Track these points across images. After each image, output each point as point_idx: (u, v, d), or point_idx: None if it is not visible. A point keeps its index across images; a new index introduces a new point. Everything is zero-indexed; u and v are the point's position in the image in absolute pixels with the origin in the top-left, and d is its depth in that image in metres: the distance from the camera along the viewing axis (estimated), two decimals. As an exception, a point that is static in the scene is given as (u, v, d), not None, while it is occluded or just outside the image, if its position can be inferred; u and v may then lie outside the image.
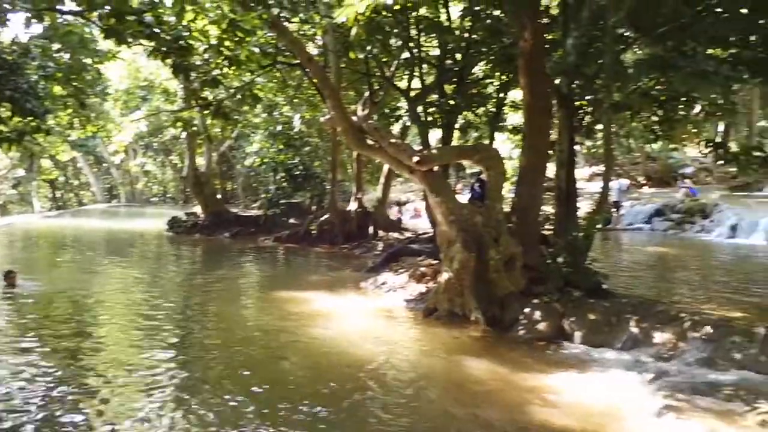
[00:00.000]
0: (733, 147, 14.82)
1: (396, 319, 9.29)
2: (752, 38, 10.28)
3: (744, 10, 9.71)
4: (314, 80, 15.54)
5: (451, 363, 7.23)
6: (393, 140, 10.07)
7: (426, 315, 9.27)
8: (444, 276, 9.38)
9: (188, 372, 6.67)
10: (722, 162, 13.61)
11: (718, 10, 9.89)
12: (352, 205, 19.40)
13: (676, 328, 7.39)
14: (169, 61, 10.09)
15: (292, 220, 22.18)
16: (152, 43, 9.85)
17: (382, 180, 20.98)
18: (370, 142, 10.00)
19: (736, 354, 6.72)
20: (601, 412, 5.61)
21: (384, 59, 16.92)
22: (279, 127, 24.27)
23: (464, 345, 7.97)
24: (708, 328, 7.17)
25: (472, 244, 9.15)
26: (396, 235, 18.78)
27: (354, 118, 10.46)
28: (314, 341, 7.91)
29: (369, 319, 9.20)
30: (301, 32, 16.90)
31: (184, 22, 10.39)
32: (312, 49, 17.50)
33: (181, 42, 9.92)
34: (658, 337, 7.40)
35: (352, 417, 5.50)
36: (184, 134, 24.91)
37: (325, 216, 19.18)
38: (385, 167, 19.68)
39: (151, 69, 25.67)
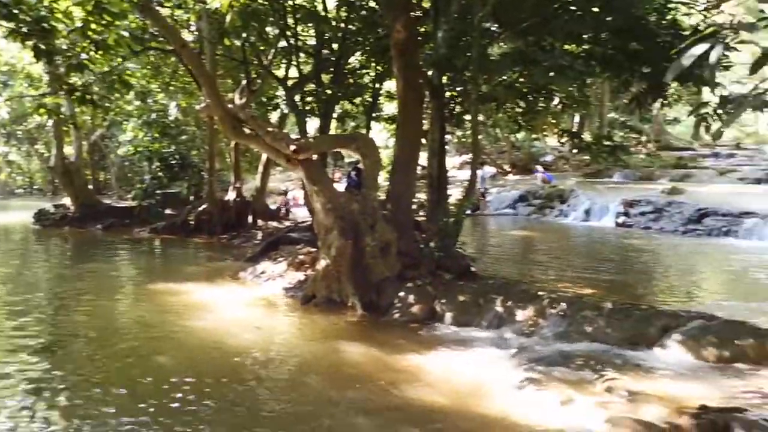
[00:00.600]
0: (587, 137, 16.12)
1: (275, 308, 9.31)
2: (603, 36, 11.20)
3: (595, 9, 10.55)
4: (189, 67, 15.02)
5: (328, 348, 7.36)
6: (270, 129, 10.01)
7: (304, 302, 9.36)
8: (322, 263, 9.50)
9: (59, 371, 6.36)
10: (577, 150, 14.78)
11: (573, 8, 10.64)
12: (231, 195, 19.02)
13: (536, 305, 7.96)
14: (29, 43, 9.36)
15: (168, 211, 21.37)
16: (11, 24, 9.08)
17: (260, 169, 20.74)
18: (246, 130, 9.87)
19: (587, 327, 7.36)
20: (468, 387, 5.97)
21: (261, 47, 16.69)
22: (153, 115, 23.24)
23: (342, 330, 8.15)
24: (563, 305, 7.79)
25: (349, 231, 9.33)
26: (275, 224, 18.69)
27: (230, 106, 10.27)
28: (191, 333, 7.77)
29: (247, 309, 9.14)
30: (175, 17, 16.24)
31: (46, 3, 9.67)
32: (187, 35, 16.87)
33: (43, 24, 9.22)
34: (520, 314, 7.95)
35: (229, 408, 5.49)
36: (50, 122, 23.17)
37: (203, 206, 18.67)
38: (264, 156, 19.44)
39: (13, 52, 23.56)
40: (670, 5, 11.02)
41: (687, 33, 9.17)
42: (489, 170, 22.60)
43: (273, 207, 22.06)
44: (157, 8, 12.99)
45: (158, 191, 22.60)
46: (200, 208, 18.63)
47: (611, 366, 6.29)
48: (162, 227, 18.58)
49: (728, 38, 3.07)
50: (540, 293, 8.26)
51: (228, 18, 9.61)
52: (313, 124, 18.53)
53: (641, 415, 5.13)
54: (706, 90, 11.22)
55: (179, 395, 5.68)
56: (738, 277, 10.72)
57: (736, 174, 23.29)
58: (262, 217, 19.27)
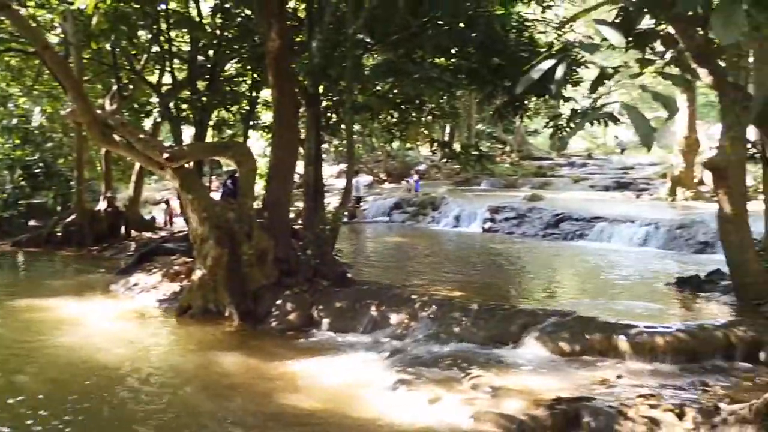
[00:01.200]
0: (456, 147, 16.97)
1: (148, 321, 9.01)
2: (469, 50, 11.90)
3: (461, 25, 11.20)
4: (53, 71, 14.10)
5: (204, 359, 7.27)
6: (142, 136, 9.68)
7: (180, 314, 9.13)
8: (198, 273, 9.33)
9: None
10: (447, 159, 15.51)
11: (440, 23, 11.22)
12: (102, 205, 18.01)
13: (409, 309, 8.30)
14: None
15: (33, 222, 19.83)
16: None
17: (134, 178, 19.78)
18: (117, 137, 9.49)
19: (456, 327, 7.78)
20: (343, 391, 6.15)
21: (132, 52, 16.00)
22: (15, 121, 21.43)
23: (218, 341, 8.06)
24: (434, 307, 8.18)
25: (225, 239, 9.24)
26: (150, 234, 17.92)
27: (99, 112, 9.82)
28: (57, 350, 7.37)
29: (119, 323, 8.76)
30: (38, 17, 15.18)
31: None
32: (52, 37, 15.82)
33: None
34: (394, 318, 8.26)
35: (98, 425, 5.31)
36: None
37: (72, 216, 17.50)
38: (137, 165, 18.58)
39: None
40: (527, 23, 11.94)
41: (543, 50, 9.98)
42: (365, 179, 23.05)
43: (148, 217, 21.11)
44: (18, 8, 12.14)
45: (21, 201, 20.96)
46: (68, 219, 17.46)
47: (477, 364, 6.69)
48: (25, 240, 17.20)
49: (578, 56, 3.47)
50: (412, 297, 8.61)
51: (94, 20, 9.16)
52: (189, 132, 18.03)
53: (503, 409, 5.55)
54: (563, 103, 12.24)
55: (44, 413, 5.40)
56: (589, 277, 11.77)
57: (588, 182, 25.47)
58: (136, 227, 18.41)
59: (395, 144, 24.80)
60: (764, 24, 2.56)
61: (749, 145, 9.21)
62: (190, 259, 10.73)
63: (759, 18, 2.45)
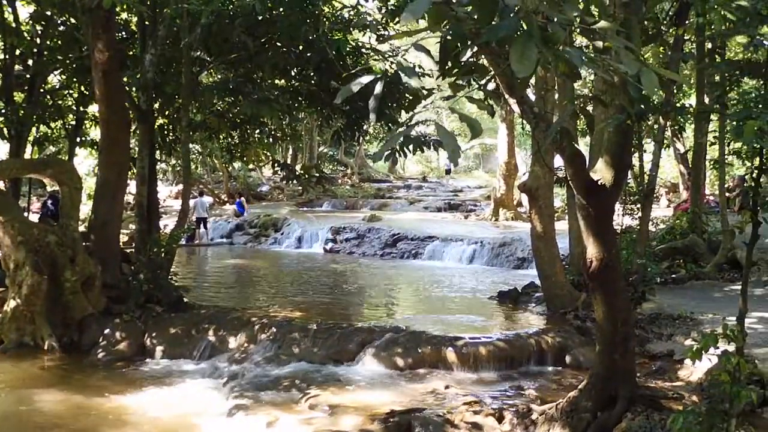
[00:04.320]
0: (298, 168, 17.08)
1: (-53, 361, 7.98)
2: (308, 72, 12.09)
3: (300, 47, 11.37)
4: None
5: (17, 398, 6.61)
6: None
7: (-12, 350, 8.21)
8: (11, 304, 8.46)
9: None
10: (288, 181, 15.55)
11: (279, 44, 11.31)
12: None
13: (248, 331, 8.20)
14: None
15: None
16: None
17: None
18: None
19: (295, 348, 7.81)
20: (176, 422, 5.93)
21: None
22: None
23: (35, 377, 7.38)
24: (273, 329, 8.15)
25: (45, 265, 8.51)
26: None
27: None
28: None
29: None
30: None
31: None
32: None
33: None
34: (233, 342, 8.13)
35: None
36: None
37: None
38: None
39: None
40: (364, 50, 12.42)
41: (379, 75, 10.42)
42: (207, 200, 22.30)
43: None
44: None
45: None
46: None
47: (315, 384, 6.81)
48: None
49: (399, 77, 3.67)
50: (252, 319, 8.50)
51: None
52: (4, 149, 16.29)
53: (340, 427, 5.70)
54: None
55: None
56: (422, 293, 12.37)
57: (422, 203, 26.81)
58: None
59: (237, 164, 24.33)
60: (553, 60, 2.90)
61: (556, 169, 10.30)
62: (2, 289, 9.69)
63: (547, 54, 2.79)
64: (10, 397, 6.69)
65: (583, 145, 13.23)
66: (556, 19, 2.83)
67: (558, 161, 11.35)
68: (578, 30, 3.15)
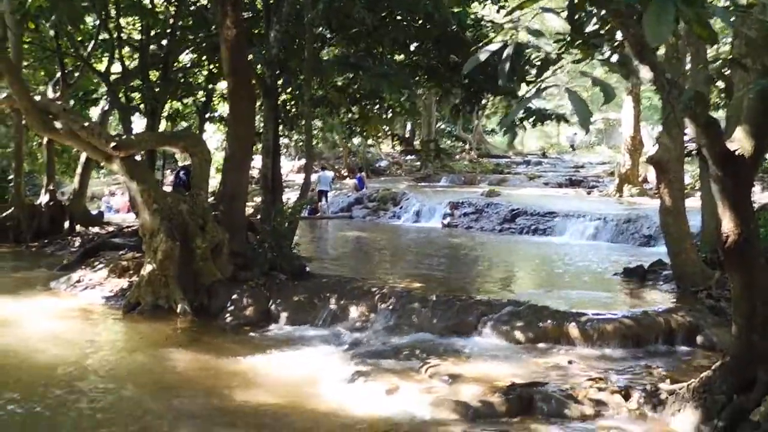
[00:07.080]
0: (416, 143, 16.97)
1: (93, 319, 8.59)
2: (428, 46, 11.88)
3: (419, 21, 11.18)
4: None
5: (152, 357, 6.99)
6: (86, 124, 9.32)
7: (127, 311, 8.76)
8: (147, 268, 9.01)
9: None
10: (407, 155, 15.47)
11: (399, 18, 11.18)
12: (43, 198, 17.27)
13: (368, 301, 8.22)
14: None
15: (-37, 218, 18.83)
16: None
17: (79, 170, 19.03)
18: (58, 125, 9.10)
19: (415, 318, 7.75)
20: (299, 385, 6.02)
21: (79, 38, 15.39)
22: (-59, 108, 20.40)
23: (169, 338, 7.78)
24: (393, 299, 8.12)
25: (177, 232, 8.97)
26: (97, 229, 17.28)
27: (38, 99, 9.41)
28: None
29: (60, 322, 8.29)
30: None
31: None
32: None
33: None
34: (354, 311, 8.18)
35: (36, 425, 5.04)
36: None
37: (9, 211, 16.74)
38: (83, 156, 17.94)
39: None
40: (484, 23, 11.99)
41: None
42: (329, 174, 22.85)
43: (95, 212, 20.39)
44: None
45: (-47, 196, 19.95)
46: (5, 214, 16.70)
47: (435, 354, 6.70)
48: (-45, 236, 16.31)
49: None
50: (372, 289, 8.50)
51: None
52: (141, 123, 17.49)
53: (460, 397, 5.56)
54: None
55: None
56: (542, 269, 11.90)
57: (542, 179, 25.93)
58: (81, 222, 17.69)
59: (356, 140, 24.66)
60: (693, 20, 2.55)
61: (686, 140, 9.43)
62: (140, 254, 10.36)
63: (688, 14, 2.45)
64: (146, 355, 7.09)
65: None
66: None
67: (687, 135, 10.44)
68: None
